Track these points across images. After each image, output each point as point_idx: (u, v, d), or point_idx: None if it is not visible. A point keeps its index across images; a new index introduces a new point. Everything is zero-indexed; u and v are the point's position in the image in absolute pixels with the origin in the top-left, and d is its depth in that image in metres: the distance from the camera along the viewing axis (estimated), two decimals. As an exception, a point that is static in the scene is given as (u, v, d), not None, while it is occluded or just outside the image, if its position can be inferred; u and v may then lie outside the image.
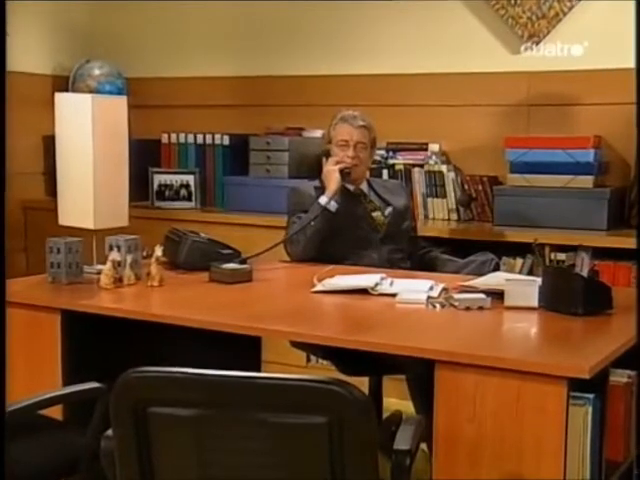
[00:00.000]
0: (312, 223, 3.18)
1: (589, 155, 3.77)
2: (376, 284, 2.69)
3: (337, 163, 3.29)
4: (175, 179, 4.60)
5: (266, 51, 4.64)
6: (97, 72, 4.71)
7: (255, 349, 3.20)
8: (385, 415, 3.36)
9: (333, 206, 3.23)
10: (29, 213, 4.66)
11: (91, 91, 4.55)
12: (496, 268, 3.19)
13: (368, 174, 3.51)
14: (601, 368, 1.98)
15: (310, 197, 3.30)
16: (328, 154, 3.38)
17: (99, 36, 4.98)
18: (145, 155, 4.53)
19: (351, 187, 3.36)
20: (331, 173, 3.28)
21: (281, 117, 4.53)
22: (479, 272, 3.04)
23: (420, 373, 2.37)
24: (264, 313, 2.53)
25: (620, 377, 2.10)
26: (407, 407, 3.09)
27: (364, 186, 3.42)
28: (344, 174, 3.28)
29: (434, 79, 4.21)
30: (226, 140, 4.54)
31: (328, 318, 2.64)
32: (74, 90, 4.68)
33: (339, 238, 3.24)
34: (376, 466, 1.59)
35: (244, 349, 2.93)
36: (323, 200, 3.23)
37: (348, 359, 2.83)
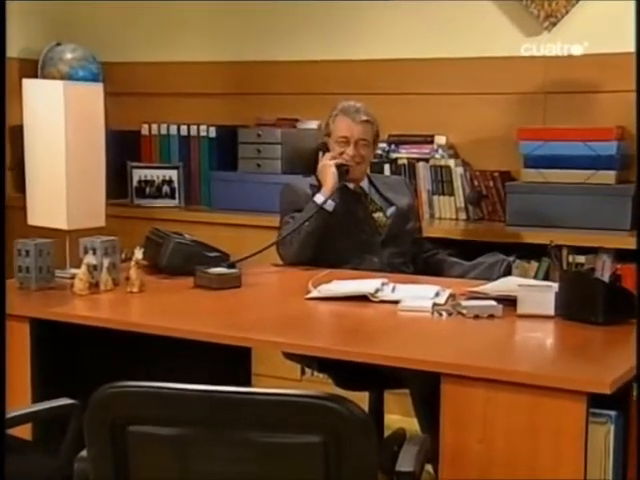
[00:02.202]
0: (306, 223, 3.19)
1: (611, 148, 3.78)
2: (377, 290, 2.70)
3: (334, 159, 3.29)
4: (156, 174, 4.60)
5: (257, 34, 4.64)
6: (69, 56, 4.70)
7: (245, 361, 3.21)
8: (387, 433, 3.36)
9: (330, 205, 3.23)
10: (-5, 212, 4.66)
11: (63, 77, 4.55)
12: (507, 270, 3.19)
13: (368, 170, 3.52)
14: (624, 382, 1.99)
15: (305, 195, 3.30)
16: (325, 147, 3.38)
17: (72, 16, 4.97)
18: (123, 148, 4.53)
19: (351, 185, 3.37)
20: (327, 168, 3.28)
21: (273, 107, 4.53)
22: (488, 275, 3.05)
23: (425, 387, 2.38)
24: (254, 322, 2.53)
25: (644, 392, 2.11)
26: (411, 424, 3.10)
27: (364, 184, 3.42)
28: (342, 171, 3.27)
29: (441, 65, 4.22)
30: (212, 132, 4.54)
31: (324, 327, 2.65)
32: (44, 76, 4.68)
33: (337, 240, 3.24)
34: (376, 490, 1.60)
35: (233, 361, 2.94)
36: (319, 199, 3.23)
37: (346, 372, 2.83)
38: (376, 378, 2.85)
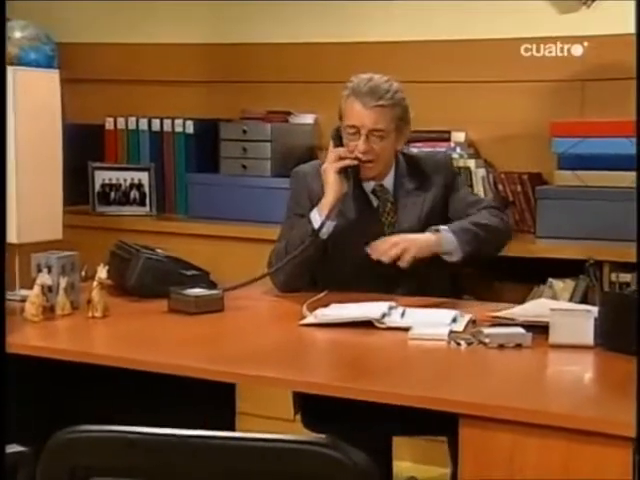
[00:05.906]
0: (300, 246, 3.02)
1: (661, 145, 3.80)
2: (383, 315, 2.70)
3: (340, 159, 3.06)
4: (123, 177, 4.61)
5: (243, 11, 4.65)
6: (18, 35, 4.70)
7: (228, 399, 3.21)
8: (396, 484, 3.37)
9: (328, 228, 3.04)
10: None
11: (11, 60, 4.54)
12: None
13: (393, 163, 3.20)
14: (675, 425, 2.00)
15: (310, 195, 3.11)
16: (338, 134, 3.11)
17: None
18: (84, 145, 4.54)
19: (370, 184, 3.15)
20: (327, 174, 3.06)
21: (261, 97, 4.55)
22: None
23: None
24: (239, 353, 2.54)
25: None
26: (424, 473, 3.11)
27: (388, 181, 3.18)
28: (347, 174, 3.05)
29: (459, 47, 4.23)
30: (190, 127, 4.55)
31: (321, 359, 2.66)
32: (-12, 59, 4.69)
33: (337, 264, 3.10)
34: None
35: (214, 399, 2.94)
36: (316, 220, 3.04)
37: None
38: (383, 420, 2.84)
